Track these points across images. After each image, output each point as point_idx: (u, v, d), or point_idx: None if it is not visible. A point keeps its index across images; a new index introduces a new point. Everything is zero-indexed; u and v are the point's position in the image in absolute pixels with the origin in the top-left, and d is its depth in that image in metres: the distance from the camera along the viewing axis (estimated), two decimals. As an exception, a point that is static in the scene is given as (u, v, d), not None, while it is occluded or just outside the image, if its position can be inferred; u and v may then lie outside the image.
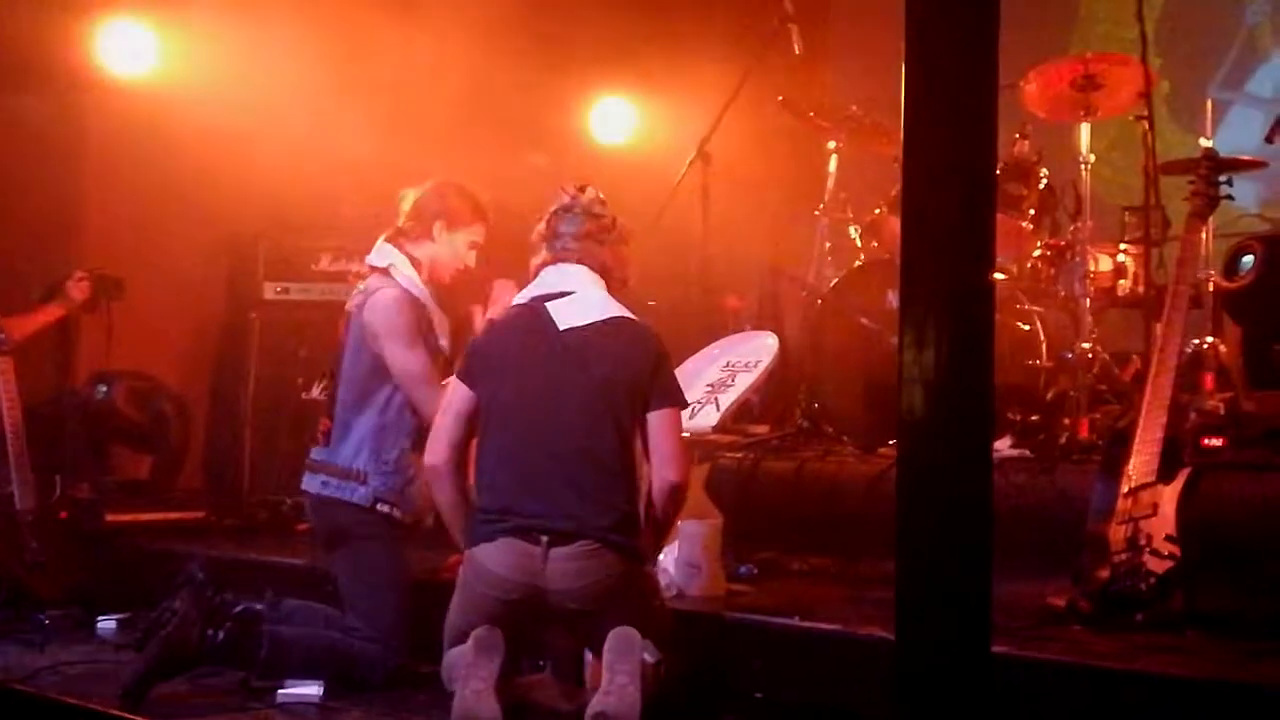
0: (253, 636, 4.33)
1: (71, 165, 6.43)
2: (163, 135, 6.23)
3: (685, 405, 4.15)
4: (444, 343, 4.66)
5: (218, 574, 4.52)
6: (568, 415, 3.96)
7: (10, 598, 5.44)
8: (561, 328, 4.03)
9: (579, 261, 4.13)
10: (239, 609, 4.36)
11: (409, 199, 4.69)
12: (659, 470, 4.02)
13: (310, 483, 4.61)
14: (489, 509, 3.98)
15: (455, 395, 4.12)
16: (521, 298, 4.19)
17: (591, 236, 4.15)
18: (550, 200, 4.22)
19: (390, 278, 4.57)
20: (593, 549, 3.87)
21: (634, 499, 4.01)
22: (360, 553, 4.53)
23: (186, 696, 4.28)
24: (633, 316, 4.13)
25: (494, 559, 3.90)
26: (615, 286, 4.19)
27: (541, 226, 4.20)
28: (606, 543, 3.89)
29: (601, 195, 4.22)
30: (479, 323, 4.66)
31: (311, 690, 4.28)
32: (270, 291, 6.40)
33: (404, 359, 4.50)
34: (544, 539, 3.86)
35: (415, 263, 4.61)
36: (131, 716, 3.76)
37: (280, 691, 4.27)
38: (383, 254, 4.63)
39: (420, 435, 4.40)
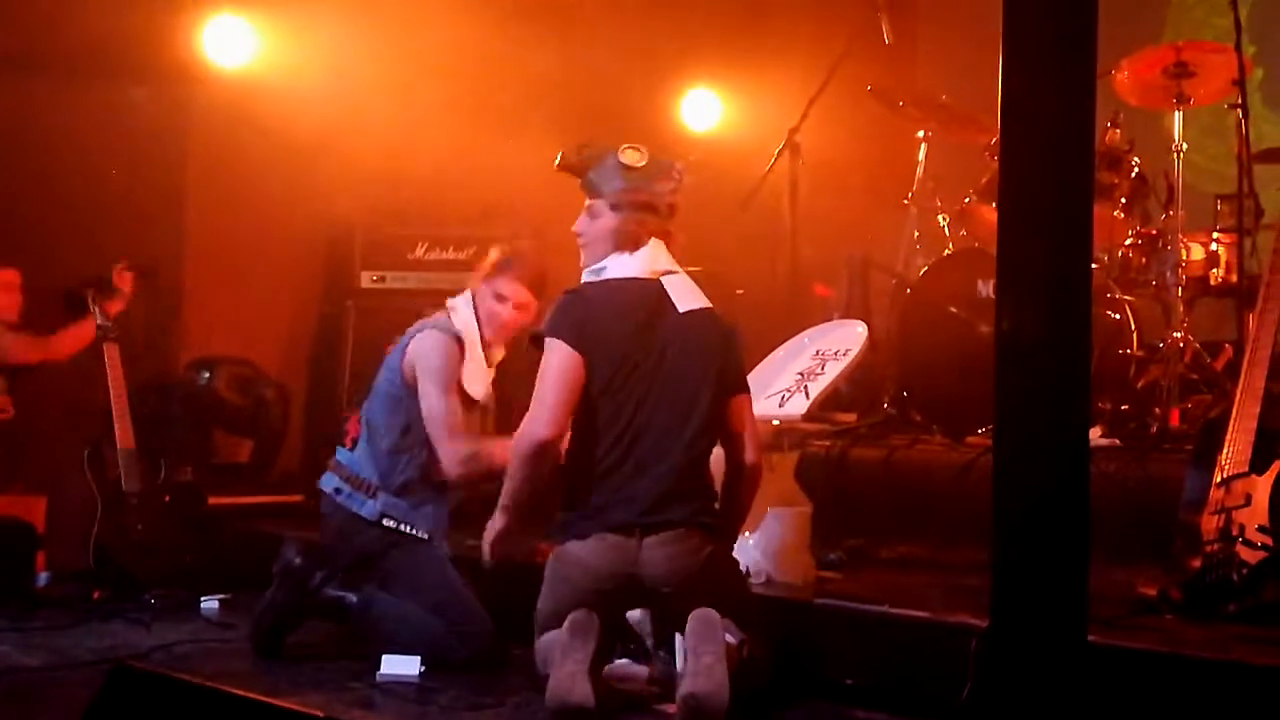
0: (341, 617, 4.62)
1: (175, 155, 6.57)
2: (263, 126, 6.36)
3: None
4: (476, 388, 4.74)
5: (313, 557, 4.67)
6: (679, 405, 4.03)
7: (116, 579, 5.59)
8: (681, 309, 4.10)
9: (664, 239, 4.17)
10: (330, 597, 4.62)
11: (497, 252, 4.80)
12: (737, 452, 4.13)
13: (327, 481, 4.79)
14: (583, 506, 4.02)
15: (567, 364, 4.01)
16: (629, 268, 4.13)
17: (677, 212, 4.22)
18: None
19: (448, 319, 4.72)
20: (681, 534, 3.97)
21: (710, 478, 4.12)
22: (390, 571, 4.63)
23: (287, 671, 4.41)
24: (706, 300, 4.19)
25: (588, 554, 3.98)
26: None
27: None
28: (695, 525, 3.99)
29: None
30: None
31: (410, 670, 4.37)
32: (367, 280, 6.52)
33: (435, 402, 4.63)
34: (636, 530, 3.96)
35: (477, 306, 4.74)
36: (241, 692, 3.87)
37: (380, 672, 4.36)
38: (456, 299, 4.78)
39: (428, 470, 4.62)
